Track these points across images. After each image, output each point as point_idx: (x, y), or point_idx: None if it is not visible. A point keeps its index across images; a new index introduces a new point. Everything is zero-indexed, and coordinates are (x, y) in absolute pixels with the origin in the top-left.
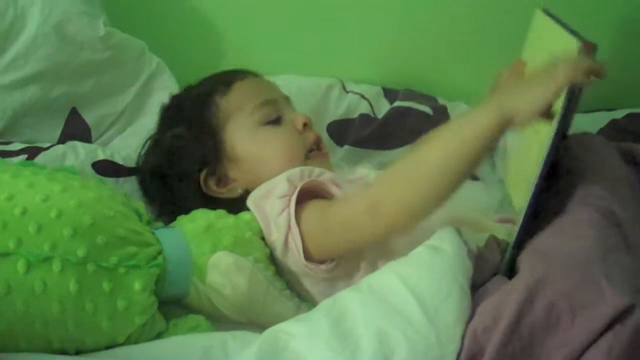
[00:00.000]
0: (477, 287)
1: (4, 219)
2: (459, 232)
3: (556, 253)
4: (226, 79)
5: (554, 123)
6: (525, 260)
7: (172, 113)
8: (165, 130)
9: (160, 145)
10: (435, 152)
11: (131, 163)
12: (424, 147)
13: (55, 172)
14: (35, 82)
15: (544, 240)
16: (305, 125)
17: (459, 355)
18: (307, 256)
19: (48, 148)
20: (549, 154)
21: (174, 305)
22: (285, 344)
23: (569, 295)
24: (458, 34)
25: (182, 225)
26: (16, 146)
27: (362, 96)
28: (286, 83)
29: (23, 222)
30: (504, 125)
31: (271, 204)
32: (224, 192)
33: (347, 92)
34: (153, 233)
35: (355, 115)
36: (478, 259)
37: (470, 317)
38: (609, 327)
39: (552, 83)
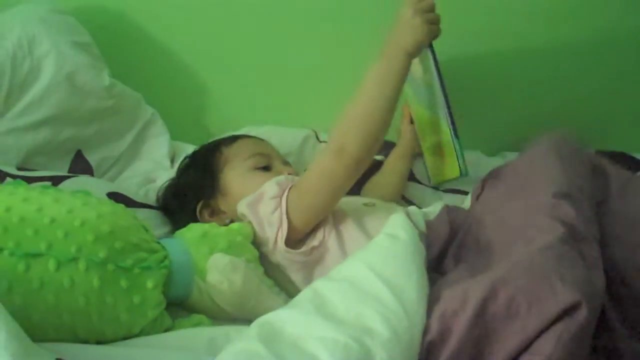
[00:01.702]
0: (433, 254)
1: (35, 226)
2: (408, 215)
3: (521, 258)
4: (235, 136)
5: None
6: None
7: (188, 161)
8: (180, 173)
9: (172, 186)
10: (371, 95)
11: (137, 196)
12: (361, 95)
13: (74, 193)
14: (46, 126)
15: (513, 250)
16: (289, 174)
17: (428, 332)
18: (289, 244)
19: (69, 177)
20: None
21: (178, 308)
22: (281, 329)
23: (527, 291)
24: None
25: (182, 235)
26: (40, 173)
27: None
28: (268, 133)
29: (52, 229)
30: (409, 59)
31: (264, 205)
32: (214, 221)
33: (320, 142)
34: (158, 242)
35: None
36: (429, 232)
37: (437, 298)
38: (559, 318)
39: (426, 31)
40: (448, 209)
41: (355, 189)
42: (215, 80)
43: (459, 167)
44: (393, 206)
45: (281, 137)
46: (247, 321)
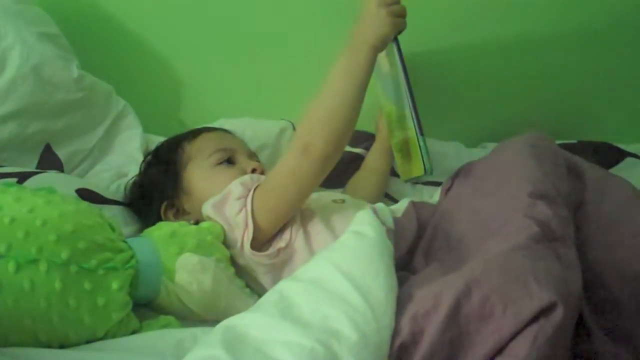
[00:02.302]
0: (401, 251)
1: None
2: (375, 211)
3: (495, 259)
4: (197, 131)
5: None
6: (468, 263)
7: (150, 157)
8: (144, 171)
9: (137, 183)
10: (336, 90)
11: (107, 192)
12: (325, 90)
13: (37, 190)
14: (13, 120)
15: (487, 248)
16: (254, 170)
17: (399, 334)
18: (255, 247)
19: (36, 173)
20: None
21: (145, 309)
22: (245, 333)
23: (502, 291)
24: None
25: (150, 234)
26: (6, 169)
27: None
28: (242, 126)
29: (12, 229)
30: (375, 55)
31: (230, 206)
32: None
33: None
34: (125, 241)
35: None
36: (397, 230)
37: (408, 299)
38: (534, 319)
39: (391, 24)
40: (415, 205)
41: (338, 185)
42: (189, 71)
43: (423, 165)
44: (363, 203)
45: (257, 129)
46: (218, 322)
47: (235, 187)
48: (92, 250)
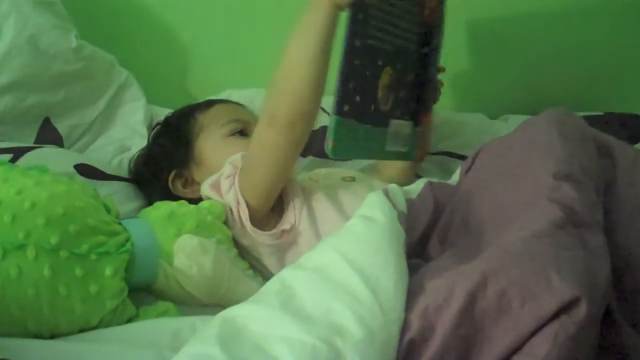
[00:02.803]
0: (415, 237)
1: None
2: (387, 193)
3: (514, 247)
4: (210, 101)
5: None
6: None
7: (160, 127)
8: (152, 141)
9: (144, 154)
10: (297, 54)
11: (108, 168)
12: (287, 55)
13: (28, 169)
14: (9, 92)
15: (506, 234)
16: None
17: (409, 329)
18: (255, 223)
19: (33, 148)
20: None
21: (144, 293)
22: (244, 326)
23: (520, 284)
24: None
25: (147, 214)
26: (1, 144)
27: (322, 109)
28: (250, 96)
29: None
30: (336, 11)
31: (223, 185)
32: (188, 193)
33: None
34: (120, 223)
35: (317, 127)
36: (410, 213)
37: (419, 290)
38: (555, 315)
39: None
40: (432, 186)
41: None
42: (195, 40)
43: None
44: (374, 181)
45: (263, 100)
46: (218, 306)
47: (226, 167)
48: (84, 233)
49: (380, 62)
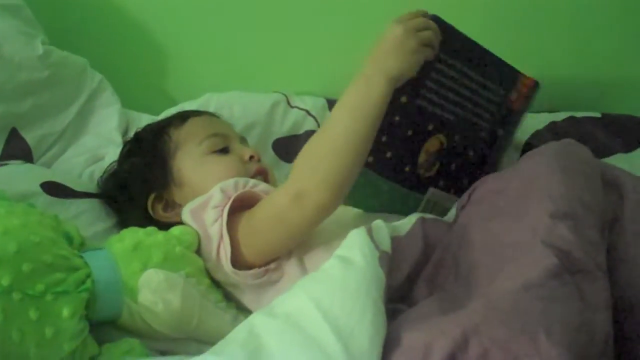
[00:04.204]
0: (399, 280)
1: None
2: (370, 232)
3: (500, 301)
4: (183, 115)
5: None
6: (467, 300)
7: (131, 145)
8: (123, 160)
9: (115, 175)
10: (340, 128)
11: (78, 183)
12: (328, 127)
13: None
14: None
15: (495, 282)
16: (251, 157)
17: None
18: (238, 264)
19: None
20: None
21: (108, 327)
22: None
23: (504, 346)
24: None
25: (112, 245)
26: None
27: (308, 112)
28: (230, 100)
29: None
30: (393, 88)
31: (207, 214)
32: (170, 217)
33: (292, 108)
34: (81, 257)
35: (301, 131)
36: (396, 252)
37: (395, 344)
38: None
39: (417, 53)
40: (424, 223)
41: None
42: (173, 41)
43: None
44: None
45: (246, 104)
46: (188, 339)
47: (216, 193)
48: (40, 272)
49: (430, 127)
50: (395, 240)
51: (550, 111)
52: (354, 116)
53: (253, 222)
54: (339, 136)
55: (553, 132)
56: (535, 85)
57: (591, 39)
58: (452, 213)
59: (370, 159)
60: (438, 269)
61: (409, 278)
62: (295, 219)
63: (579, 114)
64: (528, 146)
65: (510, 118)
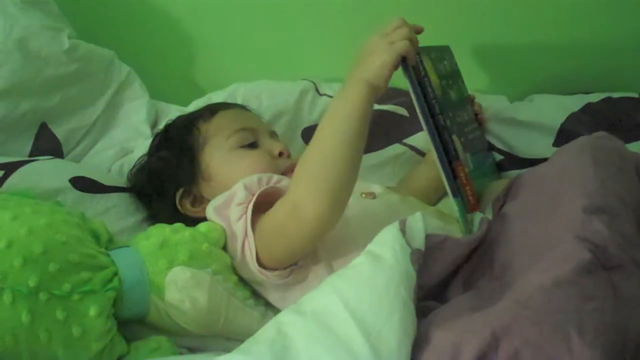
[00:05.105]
0: (436, 278)
1: None
2: (404, 227)
3: (531, 297)
4: (213, 108)
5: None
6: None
7: (160, 138)
8: (153, 153)
9: (145, 168)
10: (326, 137)
11: (107, 178)
12: (316, 138)
13: (7, 198)
14: (0, 100)
15: (526, 280)
16: (281, 153)
17: None
18: (262, 263)
19: (26, 162)
20: (417, 100)
21: (137, 324)
22: None
23: (536, 346)
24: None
25: (138, 243)
26: None
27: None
28: (258, 89)
29: None
30: (371, 91)
31: (232, 211)
32: (198, 211)
33: (321, 95)
34: (108, 255)
35: None
36: (435, 252)
37: (425, 342)
38: None
39: (388, 50)
40: (489, 222)
41: (368, 149)
42: (201, 31)
43: (461, 228)
44: (395, 197)
45: (274, 92)
46: (216, 337)
47: (240, 190)
48: (66, 272)
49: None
50: (436, 239)
51: (585, 92)
52: (337, 122)
53: (261, 230)
54: (326, 144)
55: (589, 113)
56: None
57: (629, 16)
58: (488, 211)
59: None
60: (474, 268)
61: (445, 278)
62: (294, 230)
63: (615, 95)
64: (562, 132)
65: (424, 88)
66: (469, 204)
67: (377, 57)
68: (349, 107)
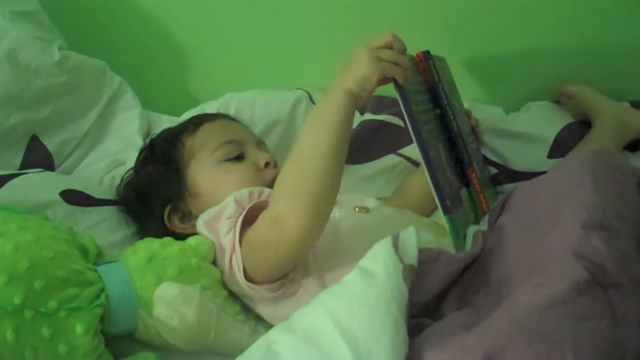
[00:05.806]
0: (429, 295)
1: None
2: (396, 243)
3: (525, 317)
4: (197, 120)
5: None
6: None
7: (146, 153)
8: (139, 169)
9: (132, 184)
10: (307, 147)
11: (99, 190)
12: (296, 148)
13: None
14: None
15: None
16: (267, 164)
17: None
18: (250, 277)
19: (15, 176)
20: (408, 114)
21: (126, 340)
22: None
23: None
24: (426, 36)
25: (126, 258)
26: None
27: None
28: (252, 99)
29: None
30: (352, 100)
31: (221, 225)
32: (186, 228)
33: (315, 104)
34: (95, 270)
35: None
36: (431, 267)
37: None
38: None
39: (373, 64)
40: (484, 236)
41: (365, 159)
42: (193, 40)
43: (454, 246)
44: (389, 211)
45: (268, 102)
46: (209, 353)
47: (230, 204)
48: (52, 288)
49: (435, 142)
50: (428, 254)
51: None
52: (317, 130)
53: (247, 244)
54: (306, 154)
55: (586, 122)
56: (426, 54)
57: (624, 24)
58: (484, 223)
59: (449, 202)
60: (470, 282)
61: (439, 293)
62: (278, 244)
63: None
64: (557, 143)
65: (435, 94)
66: (482, 213)
67: (362, 69)
68: (328, 115)
